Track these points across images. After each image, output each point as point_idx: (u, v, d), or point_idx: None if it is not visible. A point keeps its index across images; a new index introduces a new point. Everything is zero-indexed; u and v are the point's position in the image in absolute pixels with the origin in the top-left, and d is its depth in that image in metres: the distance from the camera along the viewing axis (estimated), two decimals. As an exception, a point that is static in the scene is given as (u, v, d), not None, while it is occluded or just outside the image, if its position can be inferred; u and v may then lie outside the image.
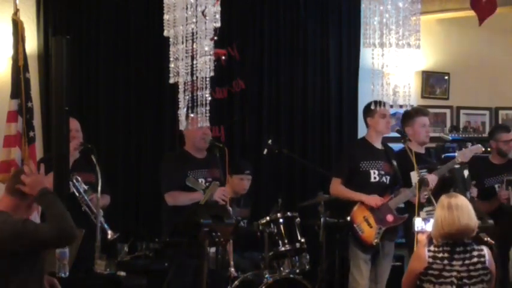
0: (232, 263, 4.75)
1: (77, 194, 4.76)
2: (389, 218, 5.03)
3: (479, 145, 5.26)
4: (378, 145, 5.28)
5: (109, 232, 4.82)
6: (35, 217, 4.25)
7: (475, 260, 3.68)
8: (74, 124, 4.87)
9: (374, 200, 5.02)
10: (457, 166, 5.14)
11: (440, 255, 3.70)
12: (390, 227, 5.04)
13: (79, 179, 4.78)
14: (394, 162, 5.18)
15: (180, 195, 4.89)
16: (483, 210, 5.22)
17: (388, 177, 5.17)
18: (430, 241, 3.83)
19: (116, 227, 4.90)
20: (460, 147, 5.35)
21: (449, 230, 3.68)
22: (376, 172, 5.14)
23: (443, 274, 3.67)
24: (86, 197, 4.80)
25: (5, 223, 3.29)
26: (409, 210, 5.04)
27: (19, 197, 3.45)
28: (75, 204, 4.75)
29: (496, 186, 5.51)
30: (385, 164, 5.18)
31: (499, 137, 5.65)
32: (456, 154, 5.20)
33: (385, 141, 5.38)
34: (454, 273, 3.66)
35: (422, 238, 3.92)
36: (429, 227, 4.15)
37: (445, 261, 3.68)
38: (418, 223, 4.47)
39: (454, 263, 3.68)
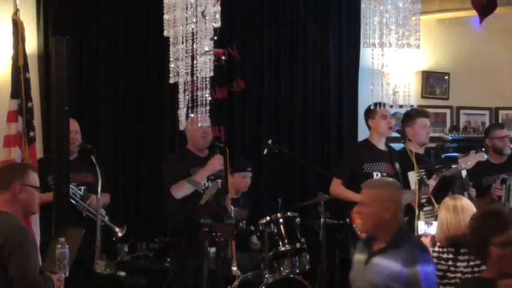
0: (235, 262, 4.76)
1: (75, 203, 4.77)
2: (390, 219, 5.03)
3: (483, 153, 5.25)
4: (381, 146, 5.28)
5: (117, 230, 4.83)
6: (35, 216, 4.26)
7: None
8: (74, 125, 4.88)
9: None
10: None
11: (444, 256, 3.70)
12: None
13: (73, 187, 4.77)
14: (397, 165, 5.18)
15: (185, 183, 4.86)
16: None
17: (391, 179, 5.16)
18: (433, 244, 3.83)
19: (117, 226, 4.92)
20: (464, 153, 5.34)
21: (455, 233, 3.67)
22: (379, 174, 5.15)
23: (448, 275, 3.67)
24: (84, 204, 4.80)
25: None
26: (408, 212, 5.04)
27: (3, 192, 3.51)
28: (75, 208, 4.77)
29: (493, 185, 5.50)
30: (388, 165, 5.19)
31: (494, 134, 5.67)
32: (459, 160, 5.17)
33: (385, 141, 5.38)
34: (459, 275, 3.65)
35: (426, 241, 3.91)
36: (432, 230, 4.15)
37: (450, 262, 3.68)
38: (421, 226, 4.47)
39: (459, 264, 3.67)
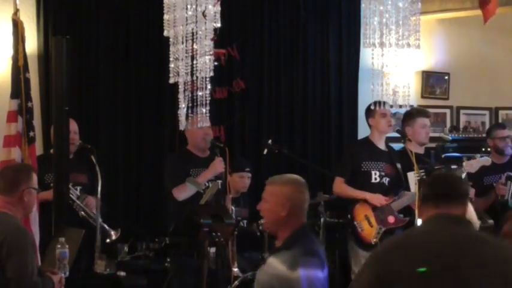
0: (236, 263, 4.76)
1: (71, 202, 4.76)
2: (391, 219, 5.03)
3: (488, 158, 5.25)
4: (381, 146, 5.28)
5: (112, 233, 4.83)
6: (35, 216, 4.26)
7: None
8: (73, 126, 4.87)
9: (378, 199, 5.02)
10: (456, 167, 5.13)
11: None
12: (391, 228, 5.05)
13: (70, 186, 4.78)
14: (399, 165, 5.18)
15: (186, 185, 4.86)
16: (479, 207, 5.22)
17: (388, 179, 5.17)
18: None
19: (116, 227, 4.91)
20: (464, 153, 5.33)
21: None
22: (378, 173, 5.15)
23: None
24: (81, 204, 4.80)
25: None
26: (407, 214, 5.05)
27: (9, 194, 3.51)
28: (73, 208, 4.77)
29: (499, 181, 5.51)
30: (387, 165, 5.18)
31: (495, 134, 5.69)
32: (464, 163, 5.16)
33: (385, 141, 5.38)
34: None
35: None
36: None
37: None
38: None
39: None
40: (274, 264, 3.00)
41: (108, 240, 4.84)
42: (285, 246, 3.08)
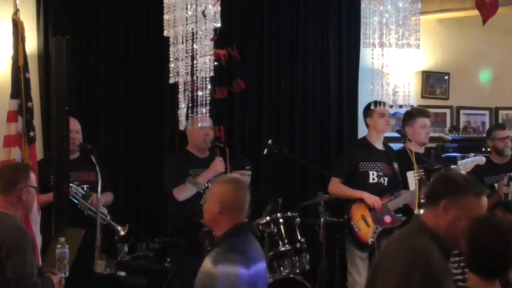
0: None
1: (76, 201, 4.76)
2: (388, 219, 5.04)
3: (482, 157, 5.25)
4: (379, 145, 5.28)
5: (119, 228, 4.83)
6: (35, 215, 4.26)
7: None
8: (75, 125, 4.87)
9: (374, 200, 5.02)
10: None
11: None
12: (388, 227, 5.05)
13: (74, 186, 4.77)
14: (395, 165, 5.18)
15: (186, 186, 4.86)
16: None
17: (386, 179, 5.18)
18: None
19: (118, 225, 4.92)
20: (464, 153, 5.33)
21: None
22: (375, 173, 5.15)
23: None
24: (86, 203, 4.79)
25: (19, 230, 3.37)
26: (405, 213, 5.05)
27: (7, 194, 3.51)
28: (76, 206, 4.77)
29: (496, 185, 5.51)
30: (384, 165, 5.19)
31: (495, 135, 5.69)
32: (458, 162, 5.16)
33: (385, 141, 5.38)
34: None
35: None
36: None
37: None
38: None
39: (450, 265, 3.66)
40: (205, 262, 3.06)
41: (116, 237, 4.85)
42: (216, 243, 3.13)
